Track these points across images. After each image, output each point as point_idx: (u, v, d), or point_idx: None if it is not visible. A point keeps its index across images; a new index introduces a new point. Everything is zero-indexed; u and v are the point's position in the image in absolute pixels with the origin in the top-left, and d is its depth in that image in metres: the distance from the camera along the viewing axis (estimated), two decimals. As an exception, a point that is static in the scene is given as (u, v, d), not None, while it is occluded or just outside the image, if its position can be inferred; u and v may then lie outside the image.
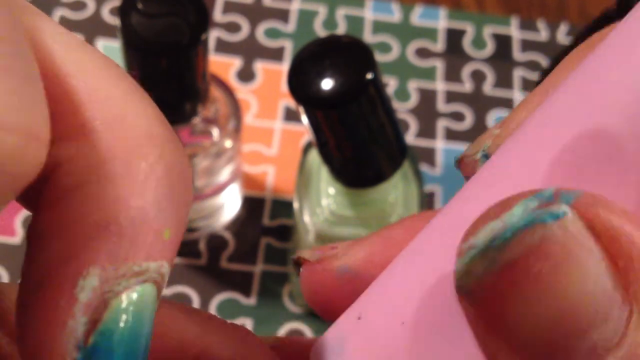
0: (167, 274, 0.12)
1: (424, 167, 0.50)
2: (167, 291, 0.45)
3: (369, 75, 0.32)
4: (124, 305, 0.12)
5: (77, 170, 0.12)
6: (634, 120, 0.12)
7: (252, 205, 0.48)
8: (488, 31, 0.56)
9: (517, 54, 0.55)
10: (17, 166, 0.10)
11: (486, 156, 0.16)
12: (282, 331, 0.44)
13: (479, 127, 0.52)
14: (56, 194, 0.12)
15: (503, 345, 0.11)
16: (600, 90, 0.12)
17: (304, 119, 0.34)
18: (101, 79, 0.12)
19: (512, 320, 0.11)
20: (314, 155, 0.39)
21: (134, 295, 0.12)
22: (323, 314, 0.17)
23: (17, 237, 0.45)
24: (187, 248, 0.46)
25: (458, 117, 0.52)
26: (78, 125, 0.12)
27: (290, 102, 0.51)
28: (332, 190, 0.39)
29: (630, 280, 0.11)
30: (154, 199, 0.12)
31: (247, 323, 0.44)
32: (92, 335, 0.12)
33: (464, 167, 0.16)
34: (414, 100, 0.52)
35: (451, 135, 0.51)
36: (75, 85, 0.12)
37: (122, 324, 0.12)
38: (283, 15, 0.55)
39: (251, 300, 0.45)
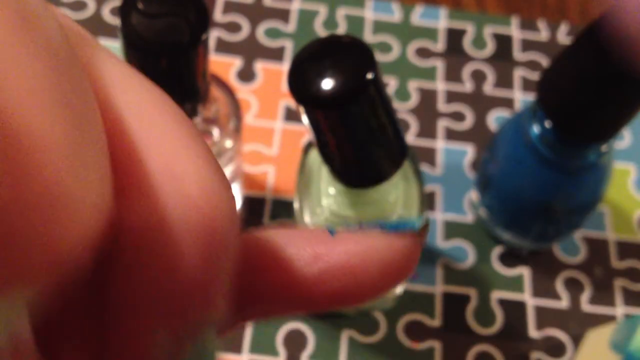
0: (225, 314, 0.13)
1: (424, 167, 0.50)
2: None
3: (369, 75, 0.32)
4: (190, 358, 0.12)
5: (136, 233, 0.12)
6: None
7: (252, 205, 0.48)
8: (488, 31, 0.56)
9: (518, 54, 0.55)
10: (78, 250, 0.10)
11: None
12: (282, 331, 0.44)
13: (479, 127, 0.52)
14: (116, 256, 0.12)
15: None
16: None
17: (304, 119, 0.34)
18: (157, 127, 0.12)
19: None
20: (314, 155, 0.39)
21: (199, 346, 0.12)
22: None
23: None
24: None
25: (458, 117, 0.52)
26: (134, 183, 0.12)
27: (291, 102, 0.51)
28: (332, 190, 0.39)
29: None
30: (213, 261, 0.12)
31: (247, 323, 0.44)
32: None
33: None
34: (414, 100, 0.52)
35: (451, 135, 0.51)
36: (134, 138, 0.12)
37: None
38: (283, 15, 0.55)
39: (251, 300, 0.45)
